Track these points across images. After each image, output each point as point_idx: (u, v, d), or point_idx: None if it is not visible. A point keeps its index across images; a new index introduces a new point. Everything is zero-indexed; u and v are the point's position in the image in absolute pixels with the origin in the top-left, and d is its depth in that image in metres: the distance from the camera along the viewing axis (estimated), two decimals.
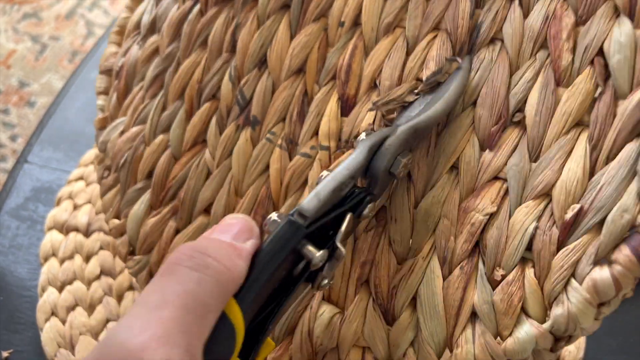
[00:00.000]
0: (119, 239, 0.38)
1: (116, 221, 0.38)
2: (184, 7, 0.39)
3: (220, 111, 0.36)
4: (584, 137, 0.26)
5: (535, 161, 0.27)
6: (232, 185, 0.34)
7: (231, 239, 0.24)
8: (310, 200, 0.25)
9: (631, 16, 0.26)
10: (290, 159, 0.33)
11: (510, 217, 0.27)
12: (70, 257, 0.41)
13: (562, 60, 0.28)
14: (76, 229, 0.42)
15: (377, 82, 0.32)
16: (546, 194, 0.26)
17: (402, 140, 0.27)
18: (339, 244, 0.26)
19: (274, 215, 0.25)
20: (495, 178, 0.28)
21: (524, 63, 0.29)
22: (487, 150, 0.28)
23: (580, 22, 0.28)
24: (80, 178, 0.45)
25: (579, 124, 0.27)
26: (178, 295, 0.21)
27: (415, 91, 0.30)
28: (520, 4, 0.29)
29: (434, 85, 0.29)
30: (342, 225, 0.26)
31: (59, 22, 0.58)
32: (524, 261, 0.26)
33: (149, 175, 0.38)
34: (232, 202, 0.34)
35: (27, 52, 0.57)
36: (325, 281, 0.26)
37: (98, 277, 0.40)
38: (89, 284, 0.40)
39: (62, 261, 0.40)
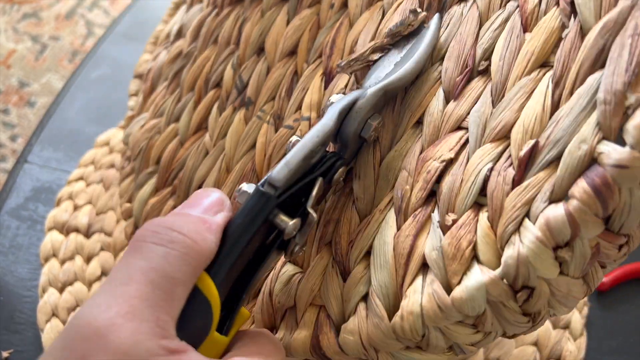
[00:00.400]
0: (127, 221, 0.40)
1: (127, 205, 0.40)
2: (205, 12, 0.42)
3: (221, 97, 0.38)
4: (547, 76, 0.24)
5: (497, 105, 0.25)
6: (224, 162, 0.35)
7: (201, 212, 0.23)
8: (280, 169, 0.24)
9: None
10: (276, 132, 0.34)
11: (467, 162, 0.25)
12: (71, 258, 0.41)
13: (528, 4, 0.26)
14: (76, 230, 0.42)
15: (354, 51, 0.32)
16: (505, 136, 0.24)
17: (371, 103, 0.27)
18: (310, 210, 0.25)
19: (244, 186, 0.25)
20: (458, 128, 0.26)
21: (494, 14, 0.27)
22: (452, 101, 0.27)
23: None
24: (80, 178, 0.45)
25: (544, 65, 0.25)
26: (143, 271, 0.20)
27: (379, 47, 0.29)
28: None
29: (397, 37, 0.29)
30: (312, 191, 0.25)
31: (59, 22, 0.62)
32: (479, 206, 0.24)
33: (159, 160, 0.40)
34: (223, 178, 0.35)
35: (27, 52, 0.60)
36: (298, 248, 0.26)
37: (99, 278, 0.40)
38: (89, 285, 0.40)
39: (62, 262, 0.41)
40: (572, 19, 0.25)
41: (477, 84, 0.27)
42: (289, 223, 0.24)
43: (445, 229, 0.24)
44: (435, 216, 0.25)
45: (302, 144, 0.25)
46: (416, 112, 0.28)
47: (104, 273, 0.41)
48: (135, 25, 0.57)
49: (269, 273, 0.29)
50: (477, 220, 0.23)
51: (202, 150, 0.37)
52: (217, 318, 0.22)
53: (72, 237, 0.42)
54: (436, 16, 0.29)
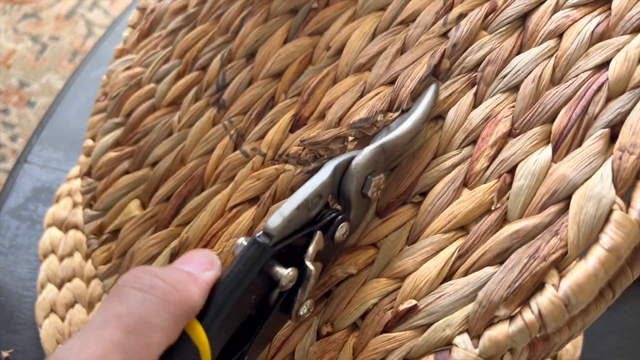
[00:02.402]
0: (85, 159, 0.42)
1: (90, 142, 0.42)
2: None
3: (202, 84, 0.39)
4: (457, 244, 0.27)
5: (410, 244, 0.28)
6: (181, 153, 0.37)
7: (189, 269, 0.24)
8: (274, 218, 0.24)
9: (555, 147, 0.26)
10: (235, 150, 0.35)
11: (364, 284, 0.28)
12: (70, 254, 0.41)
13: (477, 164, 0.28)
14: (75, 227, 0.42)
15: (325, 114, 0.33)
16: (400, 279, 0.27)
17: (369, 160, 0.27)
18: (307, 263, 0.25)
19: (241, 240, 0.25)
20: (372, 245, 0.29)
21: (450, 151, 0.29)
22: (378, 218, 0.29)
23: (514, 133, 0.28)
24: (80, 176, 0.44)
25: (463, 229, 0.27)
26: (119, 316, 0.20)
27: (342, 137, 0.31)
28: (476, 93, 0.29)
29: (359, 133, 0.30)
30: (311, 243, 0.25)
31: (59, 22, 0.60)
32: (354, 327, 0.27)
33: (129, 115, 0.41)
34: (175, 167, 0.37)
35: (27, 52, 0.58)
36: (304, 309, 0.25)
37: (97, 276, 0.39)
38: (88, 281, 0.40)
39: (61, 258, 0.41)
40: (502, 200, 0.26)
41: (405, 212, 0.29)
42: (284, 273, 0.24)
43: (320, 335, 0.27)
44: (317, 319, 0.28)
45: (296, 193, 0.25)
46: None
47: None
48: None
49: None
50: (346, 343, 0.27)
51: (167, 129, 0.39)
52: None
53: (71, 234, 0.43)
54: (434, 83, 0.30)
